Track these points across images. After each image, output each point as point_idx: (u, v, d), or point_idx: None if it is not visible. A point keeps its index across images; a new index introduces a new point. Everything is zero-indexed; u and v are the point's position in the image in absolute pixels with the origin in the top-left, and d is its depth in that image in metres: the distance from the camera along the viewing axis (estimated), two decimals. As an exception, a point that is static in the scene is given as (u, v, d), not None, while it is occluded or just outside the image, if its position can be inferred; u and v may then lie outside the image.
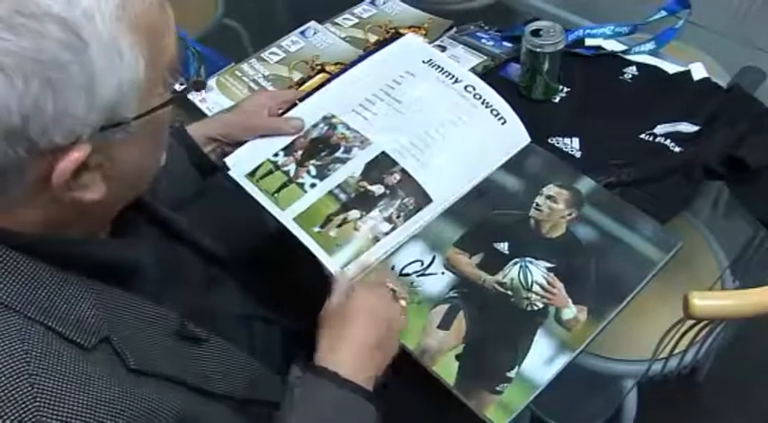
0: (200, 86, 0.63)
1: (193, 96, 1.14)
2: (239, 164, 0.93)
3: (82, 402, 0.48)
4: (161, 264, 0.66)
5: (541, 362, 0.75)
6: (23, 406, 0.46)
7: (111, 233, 0.64)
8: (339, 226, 0.85)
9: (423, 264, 0.84)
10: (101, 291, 0.57)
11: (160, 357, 0.58)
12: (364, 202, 0.87)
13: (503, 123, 0.94)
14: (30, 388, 0.47)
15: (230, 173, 0.93)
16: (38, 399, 0.47)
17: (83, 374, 0.50)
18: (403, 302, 0.80)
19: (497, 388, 0.74)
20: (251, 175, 0.92)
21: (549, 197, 0.89)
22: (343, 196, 0.88)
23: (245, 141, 0.94)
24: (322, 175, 0.90)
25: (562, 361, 0.75)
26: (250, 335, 0.83)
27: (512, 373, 0.74)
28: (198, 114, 1.10)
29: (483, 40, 1.19)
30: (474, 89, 0.96)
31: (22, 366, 0.47)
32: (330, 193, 0.88)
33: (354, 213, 0.86)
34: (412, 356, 0.77)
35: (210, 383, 0.62)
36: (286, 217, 0.87)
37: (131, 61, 0.50)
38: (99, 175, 0.53)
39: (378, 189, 0.88)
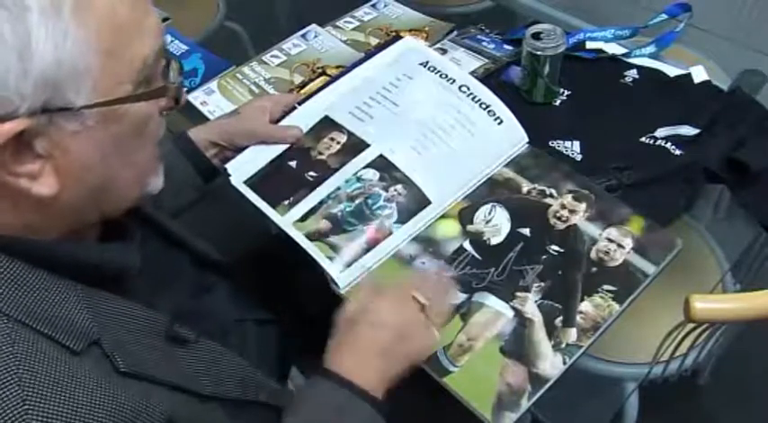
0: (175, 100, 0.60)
1: (195, 100, 1.14)
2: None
3: (71, 406, 0.48)
4: (152, 268, 0.65)
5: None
6: (12, 408, 0.46)
7: (102, 237, 0.63)
8: (339, 229, 0.85)
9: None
10: (89, 294, 0.56)
11: (149, 360, 0.58)
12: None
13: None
14: (19, 391, 0.47)
15: (230, 179, 0.93)
16: (27, 402, 0.47)
17: (72, 378, 0.50)
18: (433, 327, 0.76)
19: None
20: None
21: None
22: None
23: (246, 147, 0.95)
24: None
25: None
26: (242, 337, 0.83)
27: None
28: (199, 118, 1.11)
29: (484, 44, 1.19)
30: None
31: (11, 369, 0.47)
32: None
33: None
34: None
35: (200, 385, 0.62)
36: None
37: (77, 43, 0.48)
38: (50, 167, 0.51)
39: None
